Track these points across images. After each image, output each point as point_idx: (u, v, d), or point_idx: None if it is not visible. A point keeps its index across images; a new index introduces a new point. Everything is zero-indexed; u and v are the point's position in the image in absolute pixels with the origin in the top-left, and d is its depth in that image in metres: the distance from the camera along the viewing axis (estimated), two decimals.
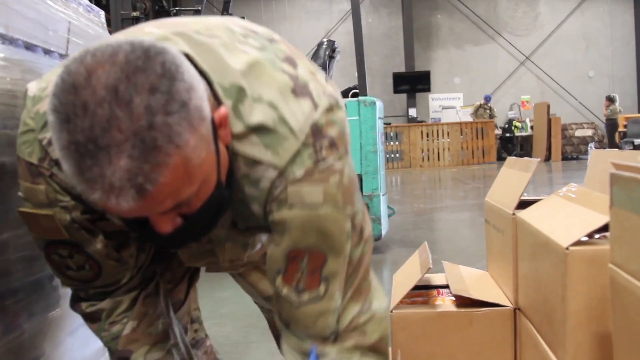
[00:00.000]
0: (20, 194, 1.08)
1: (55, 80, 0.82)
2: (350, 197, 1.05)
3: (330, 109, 1.03)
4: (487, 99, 16.11)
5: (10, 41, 1.27)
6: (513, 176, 1.68)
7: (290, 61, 1.04)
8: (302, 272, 1.03)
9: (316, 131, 1.00)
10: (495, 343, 1.48)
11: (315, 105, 1.01)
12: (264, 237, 1.31)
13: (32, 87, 1.06)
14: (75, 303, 1.23)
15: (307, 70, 1.05)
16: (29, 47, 1.34)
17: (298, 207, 1.00)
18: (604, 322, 1.08)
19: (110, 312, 1.21)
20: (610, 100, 15.07)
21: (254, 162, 1.00)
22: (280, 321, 1.12)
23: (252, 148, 0.99)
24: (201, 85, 0.89)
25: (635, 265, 0.87)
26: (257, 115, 0.98)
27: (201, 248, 1.24)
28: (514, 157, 1.80)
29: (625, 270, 0.90)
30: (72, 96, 0.79)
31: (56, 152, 0.83)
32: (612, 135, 15.03)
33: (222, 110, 0.93)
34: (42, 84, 1.05)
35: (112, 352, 1.22)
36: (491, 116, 15.79)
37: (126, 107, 0.78)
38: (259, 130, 0.98)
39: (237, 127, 0.98)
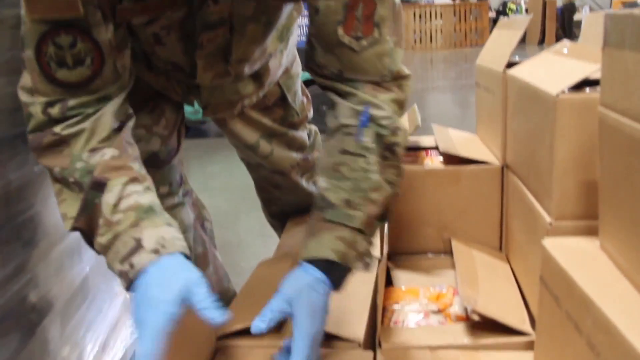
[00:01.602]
0: None
1: None
2: None
3: None
4: None
5: None
6: (504, 36, 1.65)
7: None
8: (359, 20, 1.10)
9: None
10: (482, 200, 1.50)
11: None
12: (286, 9, 1.33)
13: None
14: (44, 130, 1.06)
15: None
16: None
17: None
18: (590, 170, 1.09)
19: (91, 134, 1.07)
20: None
21: None
22: (330, 79, 1.16)
23: None
24: None
25: (625, 104, 0.86)
26: None
27: (220, 40, 1.24)
28: (506, 18, 1.76)
29: (615, 110, 0.89)
30: None
31: None
32: (570, 21, 14.75)
33: None
34: None
35: (83, 186, 1.06)
36: None
37: None
38: None
39: None
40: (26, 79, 1.07)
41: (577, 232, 1.08)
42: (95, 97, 1.08)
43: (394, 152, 1.13)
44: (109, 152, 1.08)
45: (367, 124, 1.11)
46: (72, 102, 1.06)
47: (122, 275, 0.99)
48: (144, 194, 1.06)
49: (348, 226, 1.08)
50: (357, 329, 1.16)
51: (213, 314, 0.91)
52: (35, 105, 1.06)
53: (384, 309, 1.29)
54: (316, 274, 1.04)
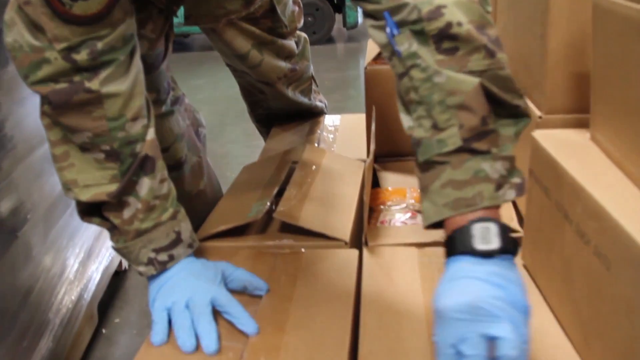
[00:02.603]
0: None
1: None
2: None
3: None
4: None
5: None
6: None
7: None
8: None
9: None
10: None
11: None
12: None
13: None
14: (65, 79, 0.94)
15: None
16: None
17: None
18: (582, 62, 1.06)
19: (129, 98, 0.99)
20: None
21: None
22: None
23: None
24: None
25: None
26: None
27: None
28: None
29: None
30: None
31: None
32: None
33: None
34: None
35: (122, 157, 1.00)
36: None
37: None
38: None
39: None
40: (12, 17, 0.92)
41: (567, 125, 1.06)
42: (120, 34, 0.96)
43: (456, 37, 0.87)
44: (151, 132, 1.03)
45: (396, 31, 0.90)
46: (100, 45, 0.94)
47: (152, 262, 1.03)
48: (170, 181, 1.08)
49: (443, 155, 0.84)
50: (344, 228, 1.15)
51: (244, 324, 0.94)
52: (51, 50, 0.92)
53: (371, 209, 1.27)
54: (454, 259, 0.79)
